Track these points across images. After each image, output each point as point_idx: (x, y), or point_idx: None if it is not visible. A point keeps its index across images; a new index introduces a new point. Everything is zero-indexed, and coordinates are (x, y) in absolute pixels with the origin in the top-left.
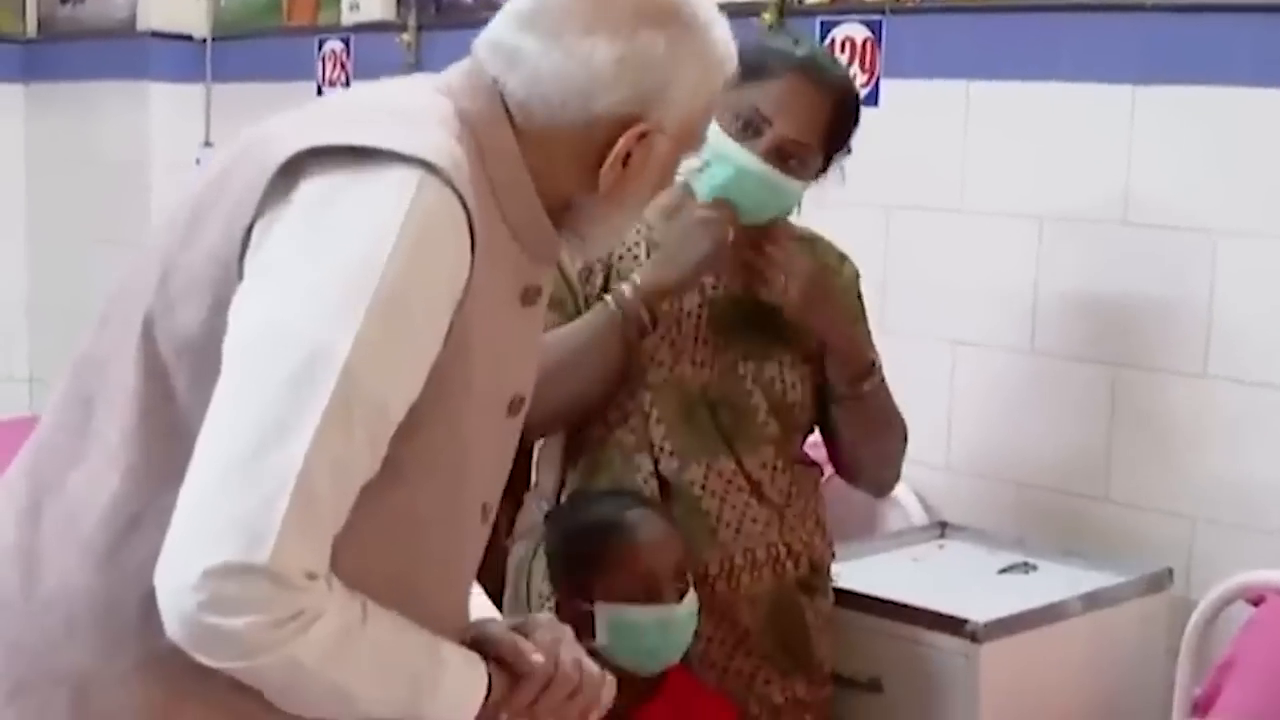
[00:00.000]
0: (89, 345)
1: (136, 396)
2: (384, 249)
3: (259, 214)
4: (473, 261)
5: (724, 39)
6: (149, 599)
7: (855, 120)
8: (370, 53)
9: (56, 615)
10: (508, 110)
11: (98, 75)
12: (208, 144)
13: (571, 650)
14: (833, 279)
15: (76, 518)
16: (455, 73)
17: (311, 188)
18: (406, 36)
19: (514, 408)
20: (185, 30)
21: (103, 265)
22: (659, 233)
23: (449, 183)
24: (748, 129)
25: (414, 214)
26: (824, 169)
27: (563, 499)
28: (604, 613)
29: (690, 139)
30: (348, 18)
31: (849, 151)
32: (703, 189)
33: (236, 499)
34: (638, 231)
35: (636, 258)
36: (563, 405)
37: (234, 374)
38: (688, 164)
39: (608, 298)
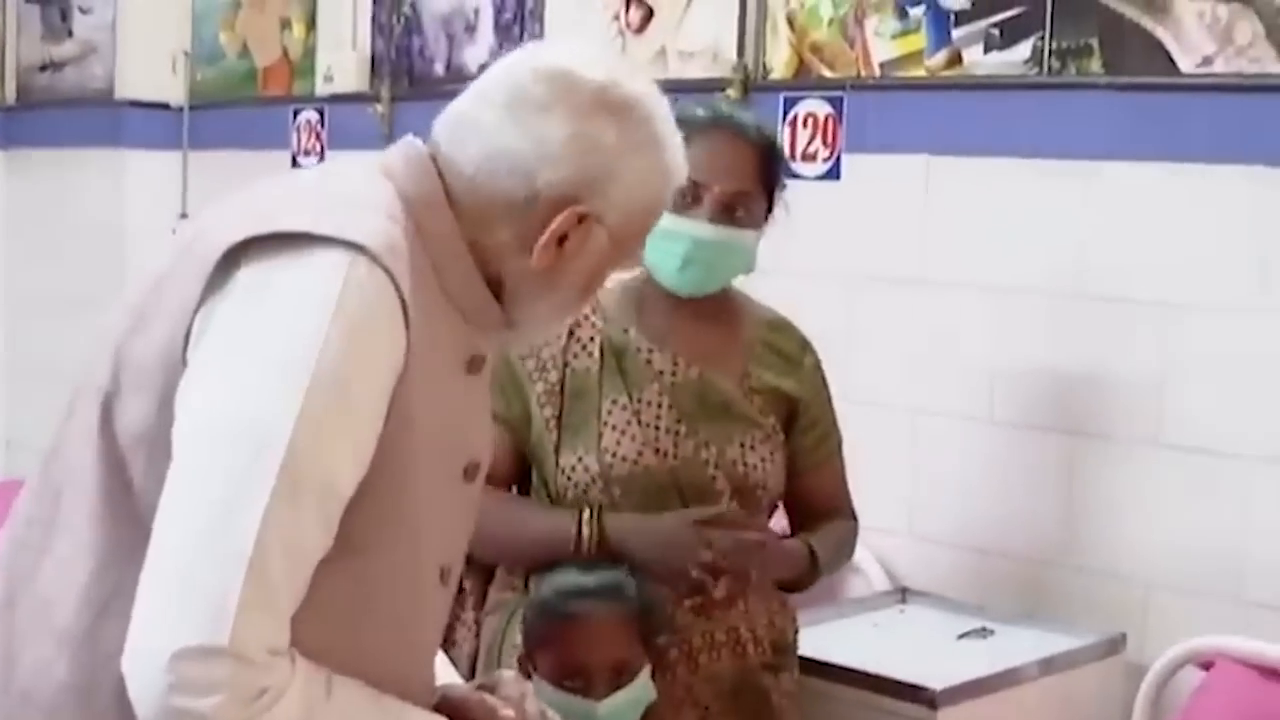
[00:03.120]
0: (57, 438)
1: (99, 486)
2: (319, 331)
3: (200, 306)
4: (409, 337)
5: (675, 150)
6: (122, 683)
7: (780, 154)
8: (344, 122)
9: (36, 704)
10: (447, 188)
11: (75, 142)
12: (184, 215)
13: (536, 703)
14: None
15: (50, 607)
16: (397, 154)
17: (247, 276)
18: (380, 107)
19: (469, 473)
20: (162, 99)
21: (79, 330)
22: (654, 535)
23: (379, 263)
24: (686, 199)
25: (346, 295)
26: (769, 210)
27: (529, 578)
28: (537, 686)
29: (629, 243)
30: (322, 88)
31: (784, 185)
32: (667, 270)
33: (193, 583)
34: (593, 326)
35: (591, 354)
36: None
37: (183, 461)
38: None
39: (580, 518)
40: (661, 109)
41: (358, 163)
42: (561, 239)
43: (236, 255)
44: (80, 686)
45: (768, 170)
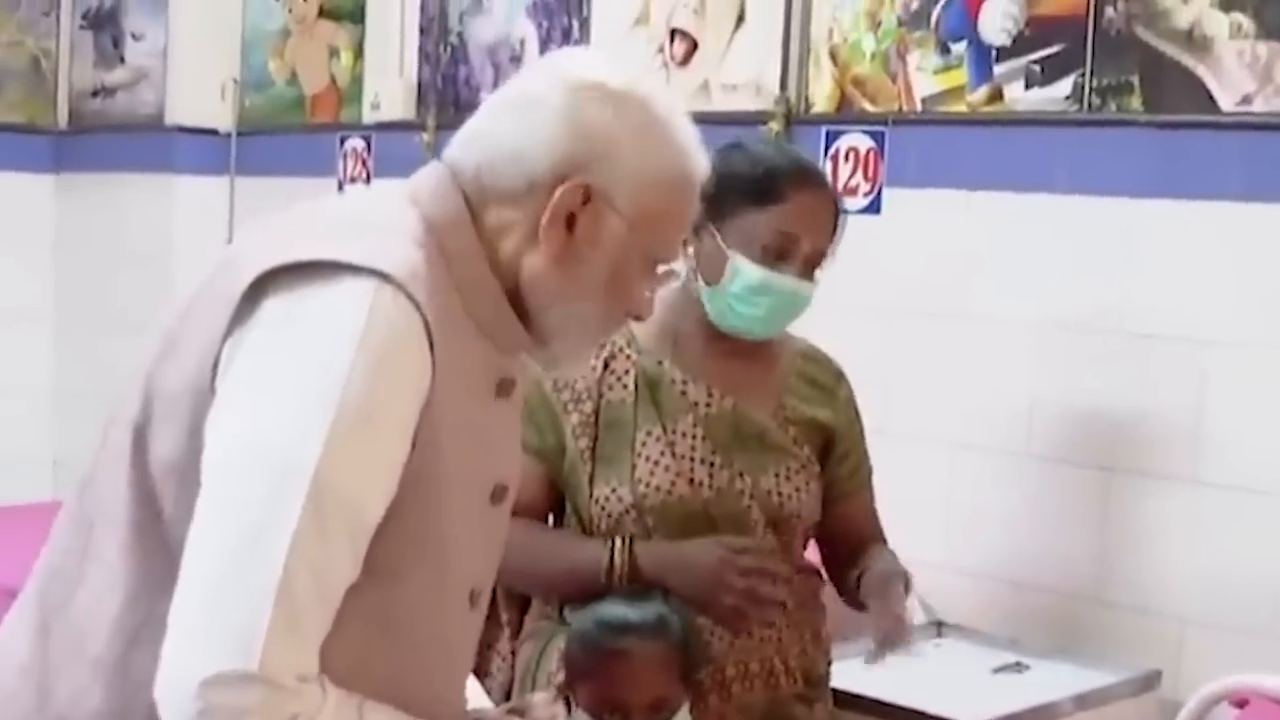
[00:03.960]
0: (90, 468)
1: (129, 517)
2: (344, 359)
3: (227, 336)
4: (434, 364)
5: (682, 131)
6: (155, 710)
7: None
8: (390, 150)
9: None
10: (468, 202)
11: (125, 167)
12: (231, 240)
13: None
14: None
15: (83, 636)
16: (423, 178)
17: (274, 305)
18: (426, 135)
19: (497, 496)
20: (211, 125)
21: (126, 352)
22: (686, 566)
23: (404, 290)
24: (781, 255)
25: (372, 323)
26: None
27: (563, 608)
28: (576, 718)
29: (649, 233)
30: (369, 116)
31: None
32: (745, 321)
33: (223, 610)
34: (629, 358)
35: (626, 386)
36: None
37: (212, 491)
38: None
39: (614, 548)
40: (665, 101)
41: (386, 189)
42: (570, 221)
43: (264, 284)
44: (114, 713)
45: (838, 223)
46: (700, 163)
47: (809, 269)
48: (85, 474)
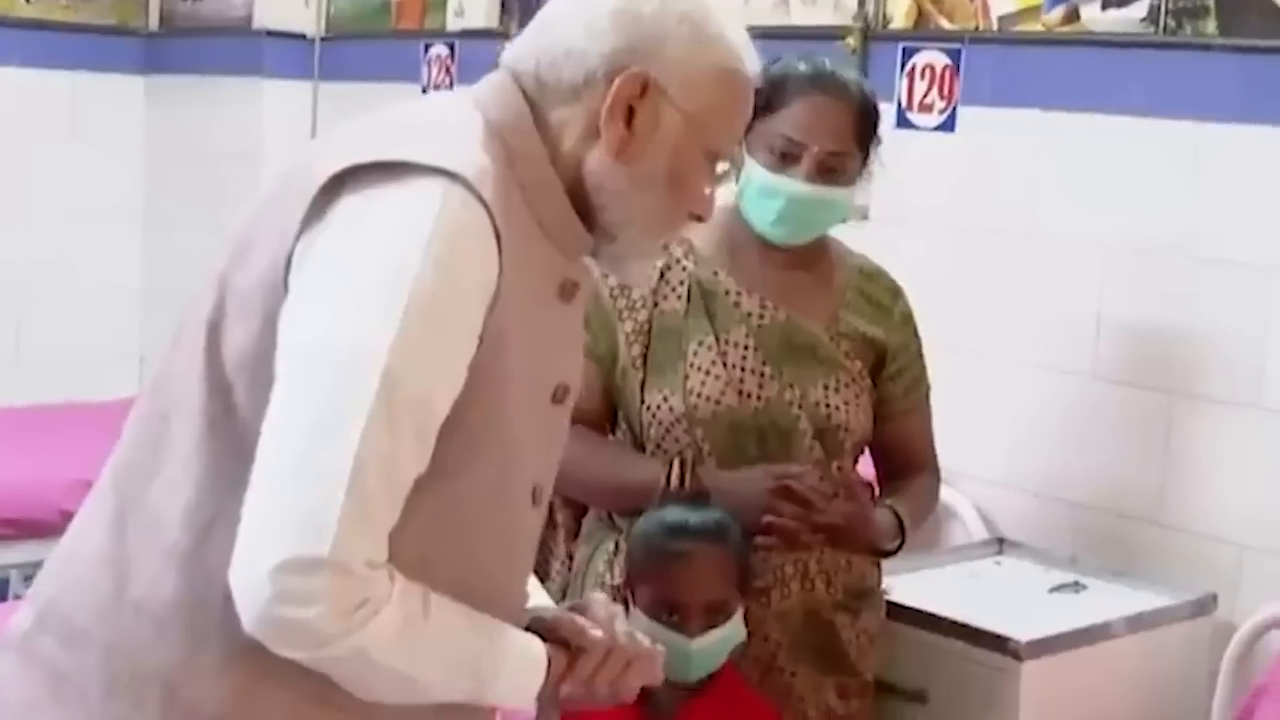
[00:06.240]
0: (164, 364)
1: (203, 410)
2: (414, 255)
3: (301, 234)
4: (501, 262)
5: (731, 29)
6: (228, 596)
7: (878, 113)
8: (474, 58)
9: (146, 617)
10: (530, 103)
11: (214, 70)
12: None
13: (625, 625)
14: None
15: (159, 525)
16: (485, 85)
17: (346, 204)
18: (509, 44)
19: (558, 396)
20: (298, 29)
21: (213, 253)
22: (730, 492)
23: (472, 190)
24: (786, 159)
25: (441, 221)
26: (864, 164)
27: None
28: (634, 617)
29: (706, 124)
30: (453, 24)
31: (880, 141)
32: (761, 222)
33: (295, 498)
34: (684, 269)
35: (680, 296)
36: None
37: (285, 384)
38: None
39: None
40: (714, 3)
41: (450, 96)
42: (629, 116)
43: (337, 185)
44: (187, 601)
45: (865, 129)
46: (751, 61)
47: (822, 174)
48: (158, 371)
